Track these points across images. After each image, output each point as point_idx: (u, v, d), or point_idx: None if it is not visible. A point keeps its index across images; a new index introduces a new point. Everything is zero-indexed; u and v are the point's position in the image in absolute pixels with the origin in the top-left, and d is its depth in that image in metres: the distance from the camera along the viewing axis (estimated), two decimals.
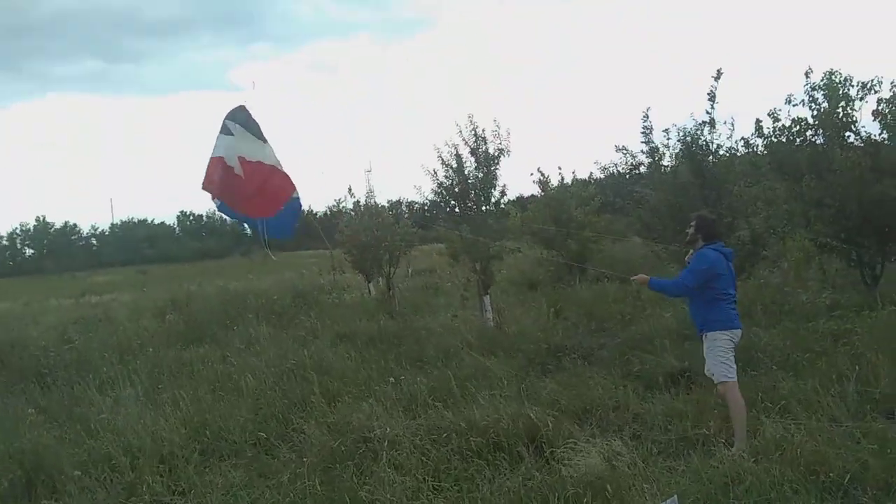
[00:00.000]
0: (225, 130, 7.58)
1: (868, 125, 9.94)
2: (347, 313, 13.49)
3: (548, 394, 7.25)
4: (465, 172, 10.82)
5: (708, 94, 9.63)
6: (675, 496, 4.47)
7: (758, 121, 10.37)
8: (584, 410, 6.80)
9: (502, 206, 12.06)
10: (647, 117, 10.30)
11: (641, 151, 10.56)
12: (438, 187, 11.02)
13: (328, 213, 22.44)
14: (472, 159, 10.82)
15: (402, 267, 16.80)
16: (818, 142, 10.11)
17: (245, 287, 19.23)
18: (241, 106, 7.82)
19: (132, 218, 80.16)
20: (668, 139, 10.14)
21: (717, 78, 9.57)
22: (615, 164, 11.32)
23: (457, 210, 11.10)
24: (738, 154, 10.09)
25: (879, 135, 9.88)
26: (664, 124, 10.35)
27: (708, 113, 9.64)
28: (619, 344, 9.28)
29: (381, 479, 5.35)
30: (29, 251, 76.44)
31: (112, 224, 79.05)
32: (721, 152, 9.75)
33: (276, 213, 7.87)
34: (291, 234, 9.01)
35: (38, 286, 38.23)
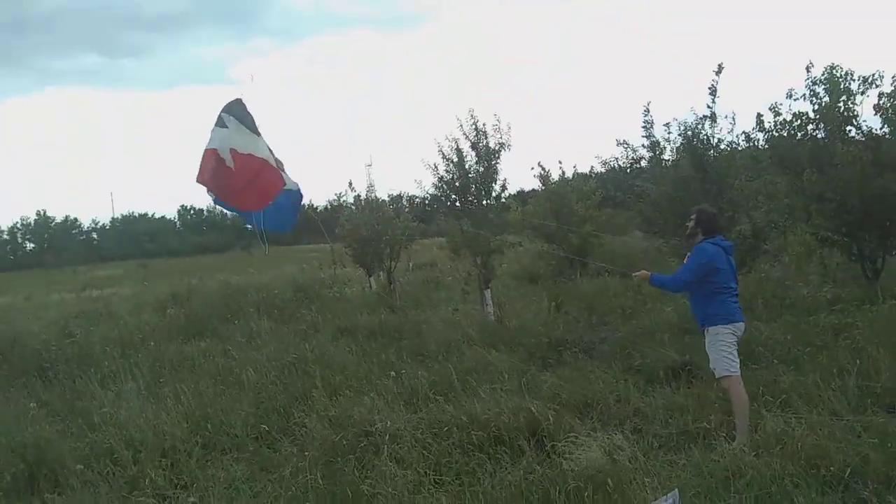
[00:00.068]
0: (220, 123, 7.55)
1: (869, 119, 9.93)
2: (348, 307, 13.51)
3: (549, 388, 7.25)
4: (466, 166, 10.81)
5: (709, 88, 9.64)
6: (676, 490, 4.47)
7: (759, 115, 10.36)
8: (585, 404, 6.81)
9: (503, 200, 12.06)
10: (648, 111, 10.32)
11: (642, 145, 10.59)
12: (439, 181, 11.00)
13: (329, 207, 22.45)
14: (473, 153, 10.81)
15: (402, 261, 16.81)
16: (819, 136, 10.08)
17: (246, 281, 19.25)
18: (237, 99, 7.78)
19: (133, 212, 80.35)
20: (669, 133, 10.16)
21: (718, 72, 9.59)
22: (616, 159, 11.34)
23: (457, 204, 11.09)
24: (739, 148, 10.09)
25: (881, 129, 9.87)
26: (663, 120, 10.37)
27: (709, 107, 9.65)
28: (620, 338, 9.26)
29: (382, 473, 5.36)
30: (30, 245, 76.49)
31: (113, 218, 79.29)
32: (722, 146, 9.75)
33: (264, 206, 7.81)
34: (291, 228, 8.99)
35: (39, 280, 38.26)
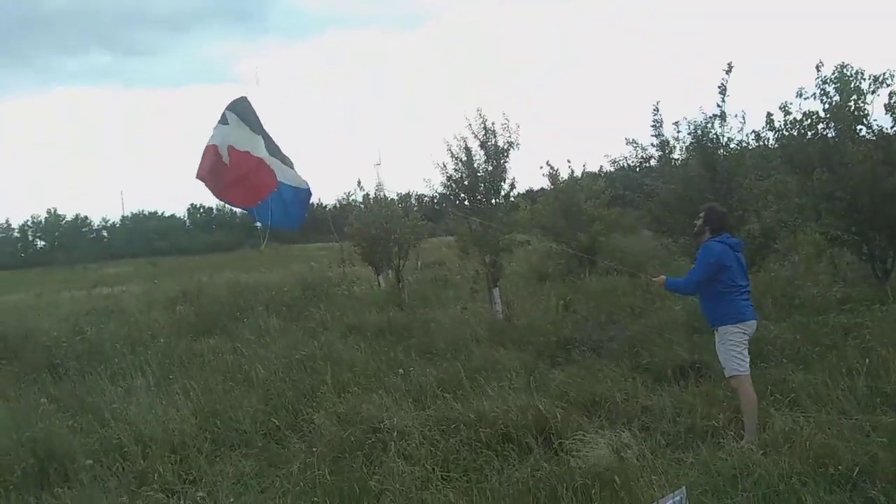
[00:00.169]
0: (223, 120, 7.54)
1: (880, 118, 9.90)
2: (357, 305, 13.55)
3: (557, 386, 7.26)
4: (475, 165, 10.82)
5: (719, 87, 9.64)
6: (684, 488, 4.46)
7: (769, 114, 10.34)
8: (592, 402, 6.81)
9: (512, 199, 12.07)
10: (658, 110, 10.30)
11: (652, 144, 10.57)
12: (448, 180, 11.02)
13: (338, 205, 22.50)
14: (482, 152, 10.82)
15: (411, 259, 16.83)
16: (829, 135, 10.05)
17: (255, 279, 19.31)
18: (242, 97, 7.78)
19: (143, 210, 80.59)
20: (679, 132, 10.14)
21: (728, 71, 9.57)
22: (625, 157, 11.31)
23: (466, 203, 11.10)
24: (749, 147, 10.06)
25: (891, 128, 9.84)
26: (671, 120, 10.35)
27: (719, 106, 9.63)
28: (629, 336, 9.26)
29: (390, 469, 5.37)
30: (41, 243, 76.82)
31: (123, 216, 79.45)
32: (732, 145, 9.73)
33: (255, 204, 7.80)
34: (300, 226, 8.99)
35: (50, 278, 38.43)
